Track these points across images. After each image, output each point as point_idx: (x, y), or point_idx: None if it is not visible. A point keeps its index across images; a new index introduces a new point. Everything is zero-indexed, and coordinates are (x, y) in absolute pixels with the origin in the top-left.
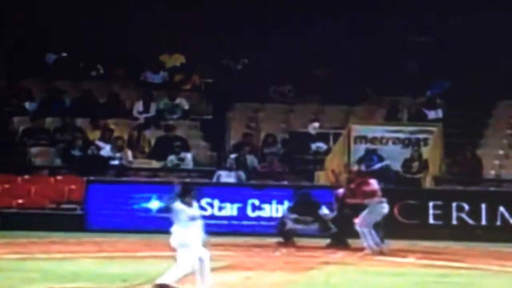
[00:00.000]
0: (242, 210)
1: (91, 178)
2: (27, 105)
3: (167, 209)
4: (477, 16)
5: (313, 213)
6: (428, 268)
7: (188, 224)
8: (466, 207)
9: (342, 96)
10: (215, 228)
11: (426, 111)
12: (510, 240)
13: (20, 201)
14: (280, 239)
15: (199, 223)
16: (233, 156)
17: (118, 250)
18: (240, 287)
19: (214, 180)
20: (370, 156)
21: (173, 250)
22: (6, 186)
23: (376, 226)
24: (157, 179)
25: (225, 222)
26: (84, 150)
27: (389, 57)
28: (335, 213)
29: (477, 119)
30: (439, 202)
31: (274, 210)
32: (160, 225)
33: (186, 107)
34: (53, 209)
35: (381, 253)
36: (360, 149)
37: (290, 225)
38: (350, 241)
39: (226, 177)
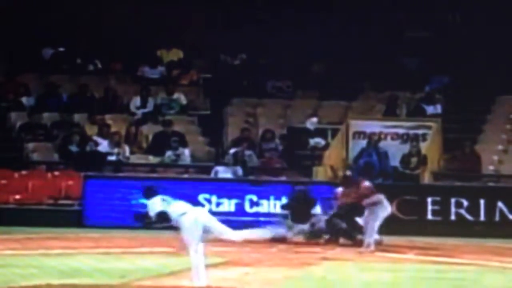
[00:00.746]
0: (240, 206)
1: (89, 173)
2: (24, 100)
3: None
4: (475, 11)
5: (307, 211)
6: (426, 264)
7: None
8: (465, 202)
9: (340, 91)
10: None
11: (425, 107)
12: (509, 235)
13: (17, 196)
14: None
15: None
16: (231, 151)
17: (115, 245)
18: (239, 283)
19: (212, 175)
20: (368, 152)
21: (171, 246)
22: (3, 181)
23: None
24: (154, 175)
25: (223, 218)
26: (82, 146)
27: (388, 52)
28: (329, 215)
29: (476, 114)
30: (438, 198)
31: (272, 206)
32: None
33: (184, 102)
34: (50, 205)
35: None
36: (358, 145)
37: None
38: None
39: (224, 172)
